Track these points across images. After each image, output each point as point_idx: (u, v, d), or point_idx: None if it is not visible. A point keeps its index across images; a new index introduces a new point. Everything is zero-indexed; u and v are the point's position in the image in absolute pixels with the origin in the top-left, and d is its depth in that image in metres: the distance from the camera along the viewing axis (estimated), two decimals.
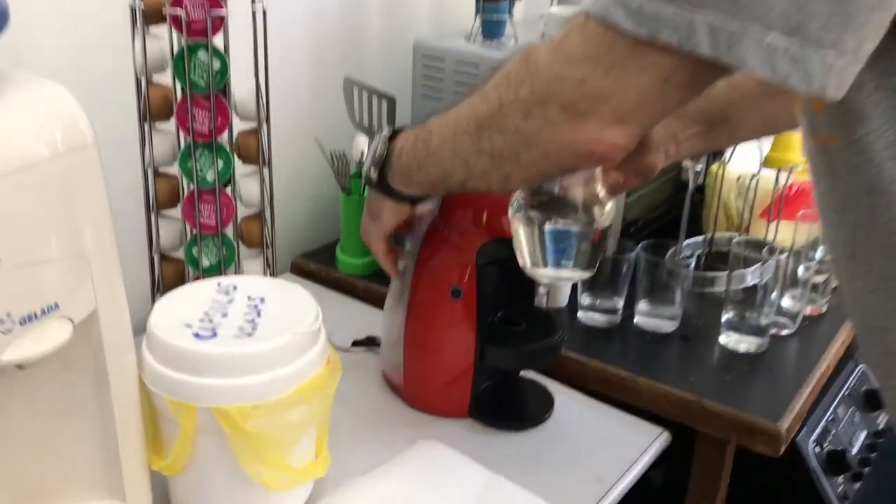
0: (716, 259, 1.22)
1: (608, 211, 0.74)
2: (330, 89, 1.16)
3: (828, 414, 1.16)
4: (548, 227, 0.73)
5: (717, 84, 0.55)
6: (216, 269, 0.91)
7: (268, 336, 0.68)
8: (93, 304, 0.63)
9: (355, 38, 1.30)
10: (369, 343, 1.03)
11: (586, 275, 0.79)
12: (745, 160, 1.23)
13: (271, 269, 0.95)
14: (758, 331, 1.04)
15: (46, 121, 0.58)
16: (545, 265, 0.75)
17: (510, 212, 0.76)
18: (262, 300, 0.74)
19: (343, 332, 1.05)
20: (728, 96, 0.76)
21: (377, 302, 1.13)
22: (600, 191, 0.73)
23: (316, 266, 1.20)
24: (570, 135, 0.54)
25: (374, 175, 0.75)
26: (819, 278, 1.14)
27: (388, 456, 0.84)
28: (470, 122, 0.61)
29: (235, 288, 0.76)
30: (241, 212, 0.94)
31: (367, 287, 1.16)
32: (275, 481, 0.70)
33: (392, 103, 1.04)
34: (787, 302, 1.11)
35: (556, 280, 0.87)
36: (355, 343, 1.03)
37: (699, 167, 1.14)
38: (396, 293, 0.92)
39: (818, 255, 1.17)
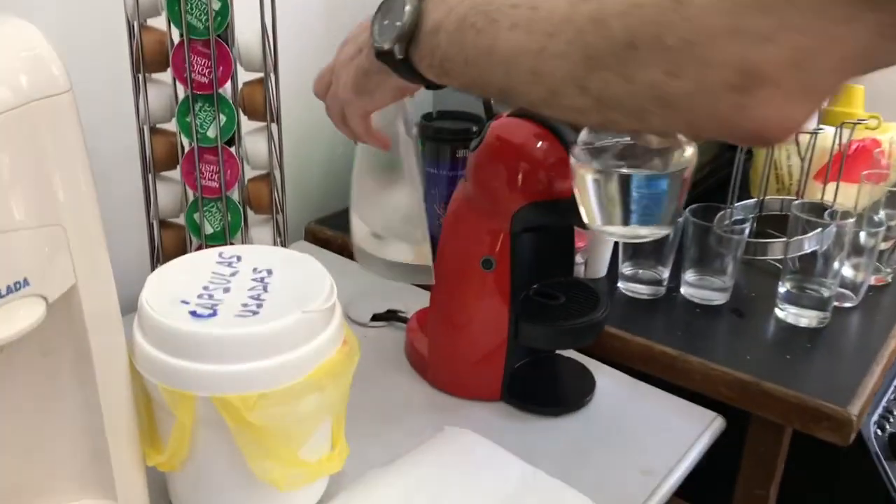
0: (766, 224, 1.11)
1: (690, 155, 0.62)
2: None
3: (889, 393, 1.07)
4: (633, 174, 0.60)
5: None
6: (221, 237, 0.82)
7: (275, 315, 0.59)
8: (71, 279, 0.54)
9: None
10: (390, 317, 0.94)
11: (666, 231, 0.67)
12: None
13: (282, 237, 0.86)
14: (819, 303, 0.94)
15: (10, 63, 0.49)
16: (624, 222, 0.63)
17: (573, 160, 0.64)
18: (270, 273, 0.65)
19: (362, 306, 0.96)
20: None
21: None
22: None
23: (332, 233, 1.11)
24: (737, 111, 0.40)
25: (398, 52, 0.57)
26: (884, 245, 1.04)
27: (411, 445, 0.75)
28: (573, 48, 0.45)
29: (239, 259, 0.67)
30: (248, 173, 0.84)
31: None
32: (284, 479, 0.61)
33: None
34: (848, 272, 1.01)
35: (633, 238, 0.71)
36: (375, 317, 0.94)
37: None
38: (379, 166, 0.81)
39: (882, 218, 1.07)
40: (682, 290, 0.99)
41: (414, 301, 0.94)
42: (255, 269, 0.65)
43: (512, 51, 0.49)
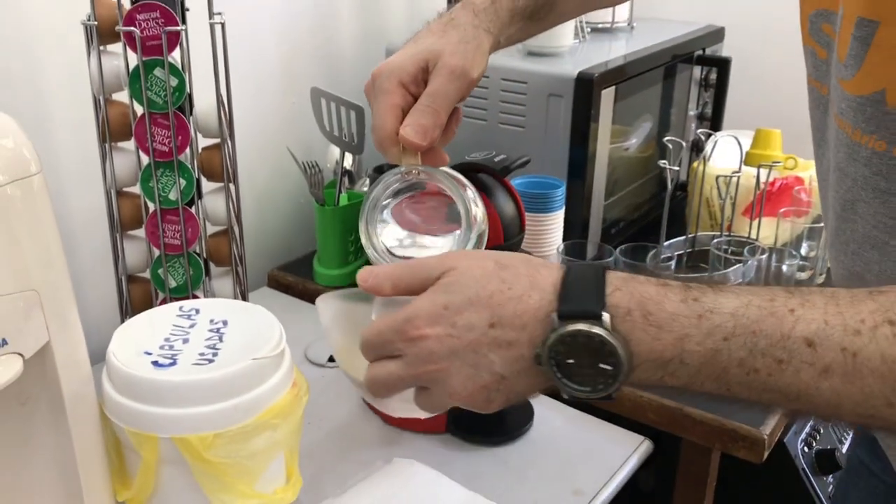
0: (699, 259, 1.20)
1: None
2: (303, 99, 1.14)
3: None
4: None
5: None
6: (184, 290, 0.89)
7: (228, 362, 0.67)
8: (45, 337, 0.61)
9: (327, 47, 1.28)
10: None
11: None
12: (725, 158, 1.21)
13: (242, 287, 0.93)
14: None
15: None
16: None
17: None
18: (225, 323, 0.72)
19: (320, 347, 1.03)
20: None
21: None
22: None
23: (293, 278, 1.19)
24: None
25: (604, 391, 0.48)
26: (803, 275, 1.12)
27: (362, 476, 0.82)
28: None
29: (198, 311, 0.74)
30: (209, 229, 0.92)
31: None
32: None
33: (360, 113, 1.02)
34: None
35: None
36: (331, 358, 1.01)
37: (677, 167, 1.12)
38: None
39: (803, 251, 1.15)
40: None
41: None
42: (211, 321, 0.73)
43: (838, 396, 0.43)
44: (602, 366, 0.46)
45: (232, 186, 0.89)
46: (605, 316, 0.46)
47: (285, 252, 1.26)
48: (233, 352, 0.68)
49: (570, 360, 0.47)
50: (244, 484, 0.68)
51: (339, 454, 0.87)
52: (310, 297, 1.16)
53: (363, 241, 0.64)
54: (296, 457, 0.75)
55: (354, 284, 1.25)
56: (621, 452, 0.88)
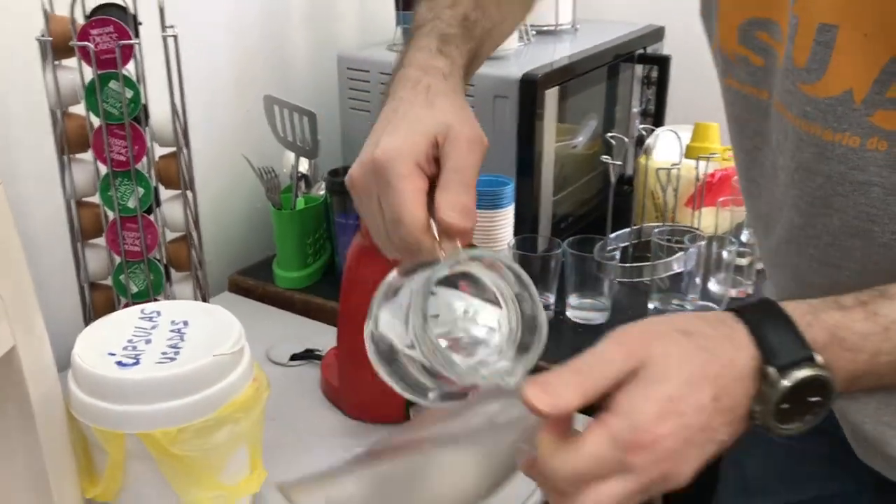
0: (645, 250, 1.25)
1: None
2: (256, 107, 1.17)
3: None
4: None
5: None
6: (146, 295, 0.92)
7: (190, 360, 0.70)
8: (10, 342, 0.64)
9: (279, 55, 1.31)
10: (307, 356, 1.05)
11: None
12: (667, 151, 1.26)
13: (202, 291, 0.96)
14: None
15: None
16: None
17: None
18: (186, 324, 0.75)
19: (282, 348, 1.06)
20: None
21: (315, 315, 1.15)
22: None
23: (253, 282, 1.22)
24: None
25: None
26: (743, 261, 1.18)
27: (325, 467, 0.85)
28: None
29: (159, 314, 0.77)
30: (168, 235, 0.95)
31: (305, 300, 1.17)
32: (208, 501, 0.71)
33: (313, 119, 1.06)
34: (714, 286, 1.15)
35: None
36: (294, 357, 1.05)
37: (620, 162, 1.17)
38: None
39: (743, 238, 1.21)
40: (568, 312, 1.12)
41: (328, 341, 1.04)
42: (173, 322, 0.76)
43: None
44: (810, 399, 0.49)
45: (189, 193, 0.92)
46: (818, 357, 0.48)
47: (245, 257, 1.29)
48: (194, 350, 0.71)
49: (785, 406, 0.48)
50: (209, 476, 0.71)
51: (303, 447, 0.90)
52: (270, 300, 1.19)
53: (405, 341, 0.53)
54: (259, 449, 0.78)
55: (314, 285, 1.28)
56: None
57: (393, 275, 0.58)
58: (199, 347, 0.72)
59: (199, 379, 0.69)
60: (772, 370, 0.48)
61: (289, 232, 1.16)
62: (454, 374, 0.51)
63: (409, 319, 0.52)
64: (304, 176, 1.21)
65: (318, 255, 1.20)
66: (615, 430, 0.46)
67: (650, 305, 1.09)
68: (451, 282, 0.54)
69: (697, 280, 1.08)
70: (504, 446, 0.51)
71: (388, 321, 0.57)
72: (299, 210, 1.16)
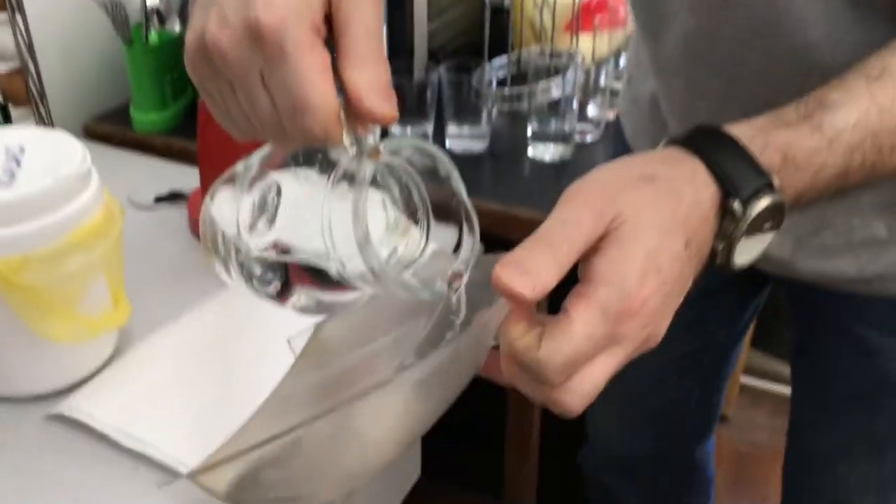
0: (525, 77, 1.22)
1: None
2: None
3: None
4: None
5: None
6: None
7: (29, 183, 0.63)
8: None
9: None
10: (173, 198, 0.99)
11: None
12: None
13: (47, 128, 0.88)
14: (563, 138, 1.06)
15: None
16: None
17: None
18: (23, 150, 0.68)
19: (144, 190, 1.00)
20: None
21: (177, 156, 1.08)
22: None
23: (111, 128, 1.13)
24: None
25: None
26: (619, 84, 1.17)
27: (198, 303, 0.81)
28: None
29: None
30: (1, 68, 0.85)
31: (166, 142, 1.10)
32: (65, 334, 0.66)
33: None
34: (592, 110, 1.14)
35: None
36: (158, 199, 0.98)
37: None
38: None
39: (621, 62, 1.20)
40: (447, 142, 1.09)
41: (194, 181, 0.98)
42: (6, 148, 0.68)
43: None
44: (765, 226, 0.46)
45: (18, 16, 0.82)
46: (776, 181, 0.46)
47: (101, 102, 1.19)
48: (33, 174, 0.65)
49: (744, 239, 0.46)
50: (64, 308, 0.66)
51: (172, 285, 0.85)
52: (130, 145, 1.11)
53: (338, 266, 0.44)
54: (120, 282, 0.73)
55: (176, 128, 1.21)
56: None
57: (252, 164, 0.49)
58: (39, 171, 0.65)
59: (40, 203, 0.63)
60: (736, 204, 0.45)
61: (143, 70, 1.07)
62: (398, 292, 0.44)
63: (329, 232, 0.43)
64: (157, 10, 1.11)
65: (177, 95, 1.12)
66: (604, 303, 0.41)
67: (529, 131, 1.07)
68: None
69: (575, 104, 1.06)
70: (436, 362, 0.45)
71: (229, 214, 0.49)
72: (153, 46, 1.07)
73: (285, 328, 0.62)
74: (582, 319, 0.40)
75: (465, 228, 0.48)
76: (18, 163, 0.66)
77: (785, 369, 1.77)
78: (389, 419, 0.46)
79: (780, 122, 0.48)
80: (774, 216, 0.46)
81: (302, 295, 0.50)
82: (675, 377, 0.95)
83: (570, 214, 0.42)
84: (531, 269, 0.40)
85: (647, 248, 0.42)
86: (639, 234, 0.42)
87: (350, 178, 0.43)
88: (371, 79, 0.41)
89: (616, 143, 0.90)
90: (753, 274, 0.74)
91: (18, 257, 0.62)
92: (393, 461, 0.49)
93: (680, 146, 0.47)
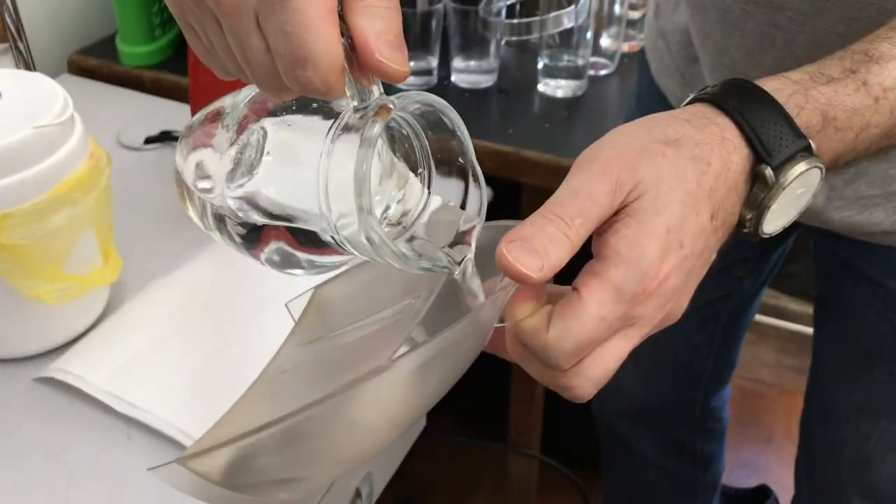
0: (535, 7, 1.15)
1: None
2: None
3: None
4: None
5: None
6: None
7: (5, 134, 0.58)
8: None
9: None
10: (164, 138, 0.94)
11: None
12: None
13: (28, 67, 0.82)
14: (575, 73, 1.00)
15: None
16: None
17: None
18: None
19: (134, 131, 0.94)
20: None
21: (169, 93, 1.02)
22: None
23: (96, 62, 1.06)
24: None
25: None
26: (635, 14, 1.10)
27: (191, 255, 0.77)
28: None
29: None
30: None
31: (155, 78, 1.04)
32: (52, 294, 0.62)
33: None
34: (606, 41, 1.07)
35: None
36: (148, 140, 0.93)
37: None
38: None
39: None
40: (453, 77, 1.03)
41: (186, 120, 0.93)
42: None
43: None
44: (798, 192, 0.43)
45: None
46: (813, 144, 0.42)
47: (85, 34, 1.12)
48: (10, 123, 0.60)
49: (776, 205, 0.42)
50: (50, 266, 0.62)
51: (164, 234, 0.81)
52: (117, 80, 1.05)
53: (344, 227, 0.39)
54: (110, 236, 0.69)
55: (166, 61, 1.15)
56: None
57: (240, 104, 0.44)
58: (17, 120, 0.60)
59: (19, 155, 0.58)
60: (768, 171, 0.41)
61: None
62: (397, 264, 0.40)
63: (326, 194, 0.39)
64: None
65: (166, 26, 1.05)
66: (619, 283, 0.37)
67: (539, 64, 1.01)
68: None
69: (589, 35, 1.00)
70: (440, 345, 0.40)
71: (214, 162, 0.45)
72: None
73: (283, 283, 0.56)
74: (595, 301, 0.37)
75: (472, 186, 0.43)
76: None
77: (792, 305, 1.76)
78: (390, 404, 0.43)
79: (822, 76, 0.44)
80: (809, 181, 0.43)
81: (277, 251, 0.46)
82: (695, 326, 0.92)
83: (584, 185, 0.38)
84: (539, 247, 0.37)
85: (668, 222, 0.38)
86: (659, 207, 0.38)
87: (349, 130, 0.39)
88: (382, 26, 0.36)
89: (640, 78, 0.84)
90: None
91: None
92: (394, 441, 0.46)
93: (709, 103, 0.43)
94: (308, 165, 0.40)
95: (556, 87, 1.01)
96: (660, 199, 0.38)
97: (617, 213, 0.39)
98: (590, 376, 0.39)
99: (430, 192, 0.44)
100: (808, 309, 1.76)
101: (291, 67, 0.35)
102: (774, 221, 0.44)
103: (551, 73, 1.00)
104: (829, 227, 0.68)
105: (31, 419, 0.63)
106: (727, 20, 0.61)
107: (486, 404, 1.31)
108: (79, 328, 0.68)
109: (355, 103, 0.39)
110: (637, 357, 1.01)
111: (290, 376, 0.49)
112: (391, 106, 0.39)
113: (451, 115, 0.42)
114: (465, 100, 1.01)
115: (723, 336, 0.94)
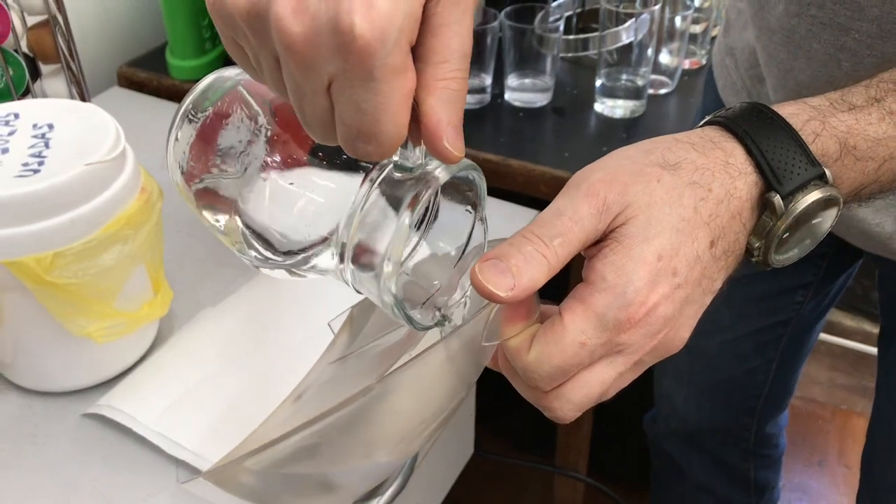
0: (590, 20, 1.12)
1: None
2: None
3: None
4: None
5: None
6: (6, 95, 0.77)
7: (57, 171, 0.57)
8: None
9: None
10: None
11: None
12: None
13: (79, 88, 0.81)
14: (634, 92, 0.97)
15: None
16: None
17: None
18: (51, 127, 0.62)
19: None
20: None
21: None
22: None
23: (146, 74, 1.06)
24: None
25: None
26: (697, 28, 1.07)
27: (242, 282, 0.76)
28: None
29: (17, 116, 0.63)
30: (28, 21, 0.78)
31: None
32: (101, 332, 0.61)
33: None
34: (665, 58, 1.04)
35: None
36: None
37: None
38: None
39: (696, 2, 1.09)
40: (507, 95, 1.01)
41: None
42: (35, 126, 0.62)
43: None
44: (813, 222, 0.41)
45: None
46: (828, 174, 0.40)
47: (135, 46, 1.12)
48: (62, 159, 0.59)
49: (787, 234, 0.40)
50: (101, 304, 0.61)
51: (214, 260, 0.80)
52: (166, 94, 1.04)
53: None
54: (160, 268, 0.68)
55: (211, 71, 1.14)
56: (512, 225, 0.84)
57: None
58: (69, 155, 0.59)
59: (71, 194, 0.57)
60: (777, 198, 0.39)
61: (180, 12, 0.99)
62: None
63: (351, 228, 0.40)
64: None
65: (216, 40, 1.04)
66: (602, 310, 0.37)
67: (597, 83, 0.98)
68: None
69: (649, 52, 0.96)
70: (440, 358, 0.41)
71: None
72: None
73: (334, 306, 0.56)
74: (576, 327, 0.37)
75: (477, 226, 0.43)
76: (47, 144, 0.60)
77: (846, 320, 1.70)
78: (398, 415, 0.43)
79: (844, 103, 0.42)
80: (826, 210, 0.41)
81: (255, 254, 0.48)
82: (751, 349, 0.89)
83: (569, 205, 0.38)
84: (512, 266, 0.36)
85: (660, 249, 0.37)
86: (649, 234, 0.37)
87: (393, 188, 0.39)
88: (453, 112, 0.35)
89: (706, 95, 0.81)
90: (847, 245, 0.67)
91: (50, 254, 0.57)
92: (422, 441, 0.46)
93: (720, 126, 0.41)
94: (320, 191, 0.41)
95: (613, 107, 0.97)
96: (651, 225, 0.37)
97: (607, 237, 0.38)
98: (570, 399, 0.38)
99: (419, 240, 0.44)
100: (863, 325, 1.71)
101: (354, 138, 0.34)
102: (788, 252, 0.42)
103: (609, 92, 0.97)
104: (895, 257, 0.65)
105: (79, 456, 0.62)
106: (792, 41, 0.58)
107: (535, 426, 1.29)
108: (129, 361, 0.67)
109: (397, 158, 0.39)
110: (691, 377, 0.98)
111: (308, 394, 0.50)
112: (439, 175, 0.38)
113: (480, 186, 0.41)
114: (519, 119, 0.98)
115: (780, 360, 0.91)
